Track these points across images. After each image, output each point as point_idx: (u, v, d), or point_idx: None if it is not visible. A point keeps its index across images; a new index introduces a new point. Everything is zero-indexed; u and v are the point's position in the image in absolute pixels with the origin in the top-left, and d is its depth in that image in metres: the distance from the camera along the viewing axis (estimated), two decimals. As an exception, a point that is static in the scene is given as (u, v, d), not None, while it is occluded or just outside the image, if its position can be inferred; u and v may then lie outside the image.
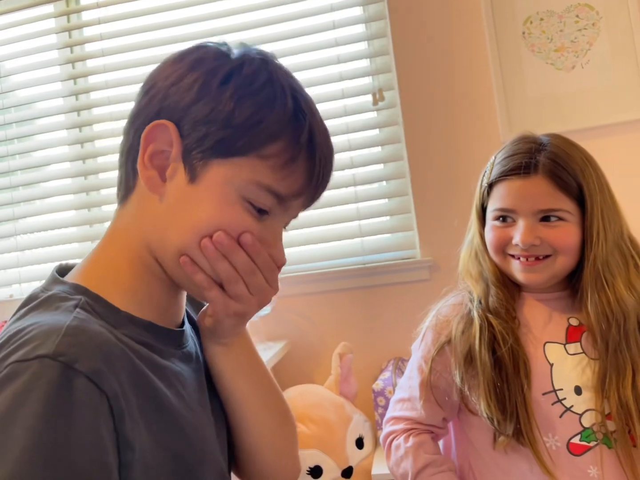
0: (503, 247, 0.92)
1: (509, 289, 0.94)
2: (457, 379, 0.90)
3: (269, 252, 0.59)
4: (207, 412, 0.64)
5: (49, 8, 2.02)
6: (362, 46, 1.86)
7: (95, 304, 0.54)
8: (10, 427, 0.44)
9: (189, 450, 0.56)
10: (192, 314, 0.74)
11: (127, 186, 0.60)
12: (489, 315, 0.91)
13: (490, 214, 0.94)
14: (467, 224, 1.04)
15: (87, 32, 2.03)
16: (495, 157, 0.96)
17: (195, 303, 0.77)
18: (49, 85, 2.01)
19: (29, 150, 2.04)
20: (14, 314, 0.57)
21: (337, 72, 1.84)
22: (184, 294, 0.66)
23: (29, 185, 2.04)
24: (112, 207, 2.02)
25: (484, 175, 0.97)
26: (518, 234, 0.88)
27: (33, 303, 0.55)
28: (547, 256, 0.89)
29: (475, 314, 0.92)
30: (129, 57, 1.96)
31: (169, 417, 0.55)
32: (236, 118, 0.55)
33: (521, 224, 0.89)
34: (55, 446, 0.44)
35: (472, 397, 0.90)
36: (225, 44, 0.60)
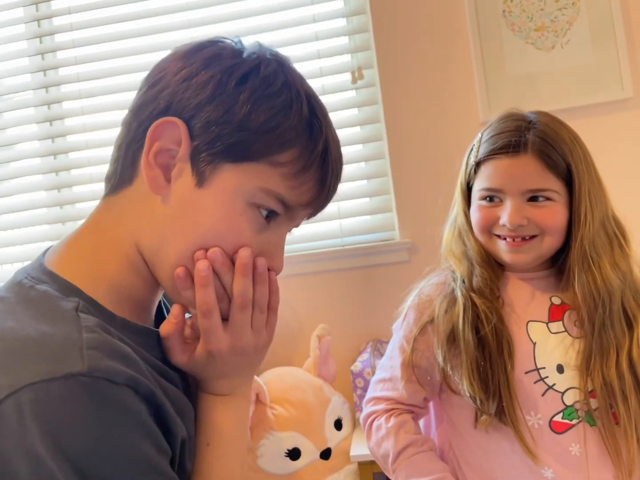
0: (489, 227, 0.90)
1: (493, 268, 0.93)
2: (440, 359, 0.90)
3: (269, 263, 0.57)
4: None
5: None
6: (341, 23, 1.82)
7: (90, 307, 0.52)
8: (64, 451, 0.42)
9: (192, 429, 0.57)
10: (168, 305, 0.71)
11: (122, 178, 0.56)
12: (473, 295, 0.90)
13: (476, 193, 0.92)
14: (450, 204, 1.03)
15: (57, 21, 1.93)
16: (482, 135, 0.94)
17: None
18: (16, 60, 1.93)
19: (-3, 128, 1.97)
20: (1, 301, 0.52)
21: (315, 50, 1.80)
22: (162, 292, 0.63)
23: (2, 164, 1.97)
24: (83, 189, 1.97)
25: (470, 154, 0.95)
26: (505, 215, 0.87)
27: (22, 296, 0.51)
28: (533, 236, 0.88)
29: (458, 293, 0.91)
30: (100, 32, 1.88)
31: (178, 405, 0.54)
32: (252, 122, 0.52)
33: (509, 204, 0.87)
34: (123, 454, 0.45)
35: (455, 377, 0.89)
36: (239, 41, 0.57)
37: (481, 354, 0.86)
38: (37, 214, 1.94)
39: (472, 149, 0.95)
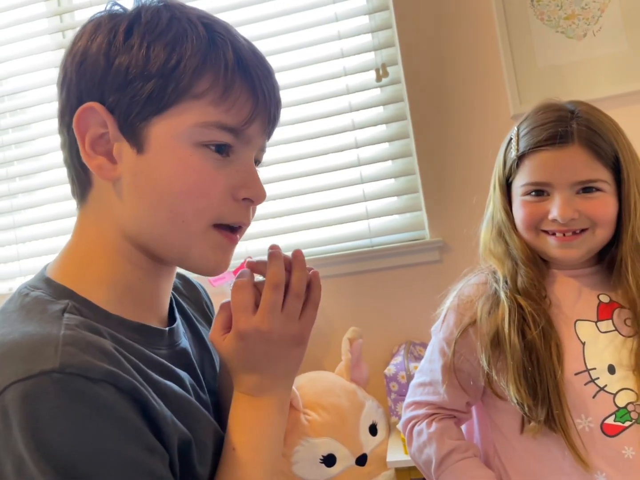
0: (536, 223, 0.86)
1: (539, 267, 0.89)
2: (484, 363, 0.86)
3: (249, 193, 0.56)
4: (209, 412, 0.61)
5: (39, -8, 1.96)
6: (364, 20, 1.80)
7: (83, 308, 0.52)
8: (43, 450, 0.42)
9: (202, 433, 0.56)
10: (184, 304, 0.71)
11: (81, 185, 0.57)
12: (518, 296, 0.86)
13: (519, 188, 0.88)
14: (485, 201, 0.99)
15: (79, 15, 1.97)
16: (518, 128, 0.90)
17: (184, 291, 0.74)
18: (42, 72, 1.96)
19: (24, 140, 1.99)
20: (0, 312, 0.53)
21: (338, 49, 1.78)
22: (169, 283, 0.62)
23: (26, 176, 2.00)
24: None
25: (507, 148, 0.91)
26: (556, 209, 0.83)
27: (18, 304, 0.52)
28: (583, 230, 0.84)
29: (502, 294, 0.87)
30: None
31: (178, 405, 0.53)
32: (154, 66, 0.51)
33: (558, 197, 0.83)
34: (105, 450, 0.44)
35: (500, 382, 0.85)
36: (114, 3, 0.56)
37: (528, 358, 0.82)
38: (67, 223, 1.96)
39: (509, 143, 0.91)
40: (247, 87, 0.54)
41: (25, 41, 1.96)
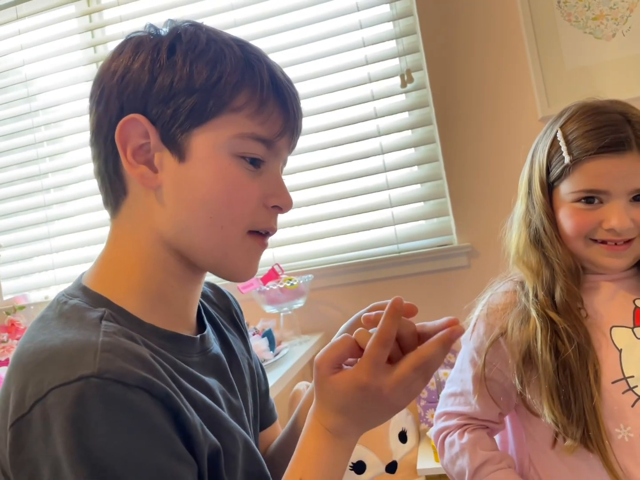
0: (588, 232, 0.83)
1: (579, 277, 0.86)
2: (516, 382, 0.83)
3: (278, 201, 0.60)
4: (240, 417, 0.63)
5: (71, 9, 2.02)
6: (388, 27, 1.80)
7: (118, 316, 0.54)
8: (79, 452, 0.43)
9: (233, 445, 0.57)
10: (213, 312, 0.73)
11: (116, 194, 0.59)
12: (550, 312, 0.83)
13: (568, 195, 0.84)
14: (510, 205, 0.97)
15: (109, 31, 2.02)
16: (562, 131, 0.85)
17: (214, 299, 0.76)
18: (75, 86, 2.01)
19: (58, 152, 2.05)
20: (39, 319, 0.56)
21: (362, 56, 1.78)
22: (198, 292, 0.64)
23: (60, 187, 2.05)
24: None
25: (552, 152, 0.86)
26: (614, 219, 0.80)
27: (57, 311, 0.55)
28: (631, 239, 0.82)
29: (532, 311, 0.84)
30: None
31: (207, 414, 0.54)
32: (197, 82, 0.54)
33: (615, 206, 0.80)
34: (135, 455, 0.45)
35: (534, 399, 0.83)
36: (150, 25, 0.60)
37: (562, 376, 0.79)
38: (101, 233, 2.01)
39: (553, 146, 0.85)
40: (279, 103, 0.58)
41: (58, 57, 2.02)
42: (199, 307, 0.67)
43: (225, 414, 0.58)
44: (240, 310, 0.80)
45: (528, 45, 1.63)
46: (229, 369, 0.65)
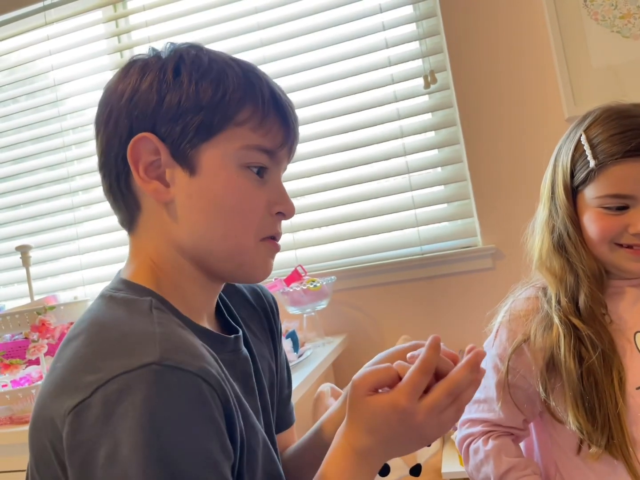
0: (613, 236, 0.82)
1: (603, 283, 0.85)
2: (540, 389, 0.83)
3: (282, 208, 0.63)
4: (259, 417, 0.65)
5: (98, 14, 2.06)
6: (411, 28, 1.80)
7: (161, 305, 0.56)
8: (154, 435, 0.45)
9: (257, 447, 0.59)
10: (242, 313, 0.75)
11: (130, 211, 0.62)
12: (573, 319, 0.82)
13: (594, 199, 0.83)
14: (534, 208, 0.96)
15: (135, 35, 2.06)
16: (586, 135, 0.84)
17: (250, 297, 0.78)
18: (102, 91, 2.04)
19: (86, 155, 2.09)
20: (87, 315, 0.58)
21: (385, 57, 1.78)
22: (216, 297, 0.67)
23: (87, 190, 2.09)
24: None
25: (577, 155, 0.85)
26: None
27: (105, 303, 0.58)
28: None
29: (555, 318, 0.84)
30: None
31: (245, 412, 0.57)
32: (203, 100, 0.58)
33: None
34: (191, 440, 0.46)
35: (558, 407, 0.82)
36: (152, 49, 0.63)
37: (587, 383, 0.79)
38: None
39: (583, 152, 0.84)
40: (279, 117, 0.62)
41: (85, 62, 2.06)
42: (228, 308, 0.70)
43: (250, 410, 0.60)
44: (277, 311, 0.82)
45: (554, 45, 1.61)
46: (253, 372, 0.67)
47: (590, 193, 0.84)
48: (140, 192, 0.60)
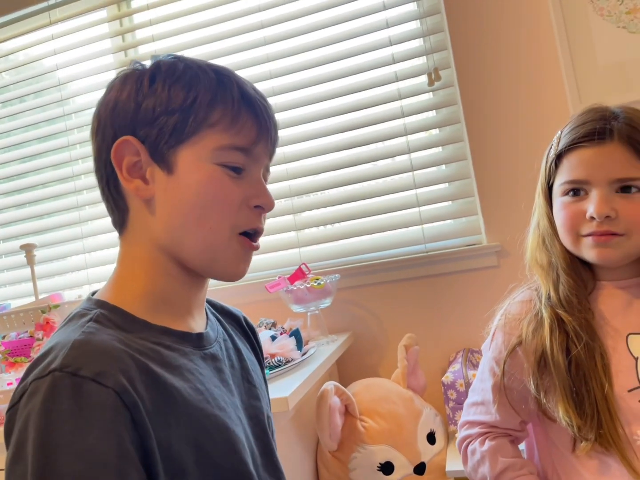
0: (576, 225, 0.84)
1: (581, 276, 0.86)
2: (532, 387, 0.84)
3: (260, 201, 0.66)
4: (240, 413, 0.67)
5: (102, 13, 2.06)
6: (415, 25, 1.79)
7: (111, 314, 0.61)
8: (44, 436, 0.50)
9: (210, 442, 0.59)
10: (228, 327, 0.79)
11: (121, 212, 0.66)
12: (559, 311, 0.83)
13: (558, 188, 0.87)
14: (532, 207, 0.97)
15: (139, 34, 2.06)
16: (561, 132, 0.89)
17: (228, 315, 0.83)
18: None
19: (91, 154, 2.08)
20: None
21: (389, 55, 1.77)
22: (201, 294, 0.70)
23: (92, 188, 2.10)
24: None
25: (549, 150, 0.90)
26: (592, 205, 0.81)
27: (68, 320, 0.63)
28: (619, 235, 0.82)
29: (544, 313, 0.85)
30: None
31: (185, 410, 0.58)
32: (176, 103, 0.62)
33: (595, 194, 0.81)
34: (78, 445, 0.49)
35: (550, 404, 0.83)
36: (136, 62, 0.68)
37: (574, 375, 0.80)
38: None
39: (551, 146, 0.90)
40: (251, 115, 0.65)
41: (90, 61, 2.07)
42: (212, 315, 0.74)
43: (209, 410, 0.61)
44: (254, 328, 0.86)
45: (559, 41, 1.60)
46: (229, 373, 0.69)
47: (556, 184, 0.88)
48: (127, 194, 0.65)
